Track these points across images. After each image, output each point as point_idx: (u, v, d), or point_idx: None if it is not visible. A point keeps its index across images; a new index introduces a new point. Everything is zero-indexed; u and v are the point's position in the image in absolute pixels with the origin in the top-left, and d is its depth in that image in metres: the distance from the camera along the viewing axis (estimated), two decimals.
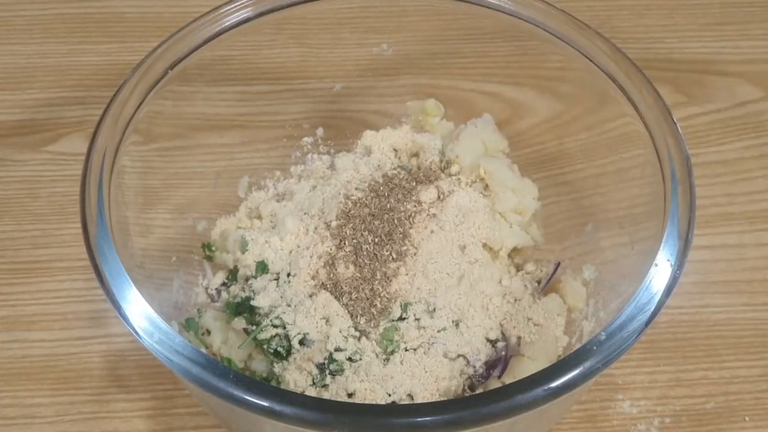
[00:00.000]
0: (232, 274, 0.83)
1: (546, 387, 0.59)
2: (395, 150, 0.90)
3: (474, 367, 0.77)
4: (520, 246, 0.85)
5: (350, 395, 0.73)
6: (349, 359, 0.74)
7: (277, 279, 0.79)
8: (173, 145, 0.85)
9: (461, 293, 0.78)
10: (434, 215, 0.81)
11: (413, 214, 0.80)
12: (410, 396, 0.73)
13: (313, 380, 0.74)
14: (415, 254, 0.79)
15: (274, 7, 0.82)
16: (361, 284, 0.77)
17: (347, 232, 0.79)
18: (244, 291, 0.80)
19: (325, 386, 0.74)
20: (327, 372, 0.74)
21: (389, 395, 0.73)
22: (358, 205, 0.81)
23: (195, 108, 0.86)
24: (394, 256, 0.78)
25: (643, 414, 0.83)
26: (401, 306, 0.76)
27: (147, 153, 0.80)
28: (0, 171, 0.99)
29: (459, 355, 0.76)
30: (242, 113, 0.91)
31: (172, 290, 0.80)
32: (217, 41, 0.80)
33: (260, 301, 0.78)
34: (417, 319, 0.76)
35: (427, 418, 0.58)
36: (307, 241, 0.80)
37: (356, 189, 0.83)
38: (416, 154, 0.90)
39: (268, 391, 0.60)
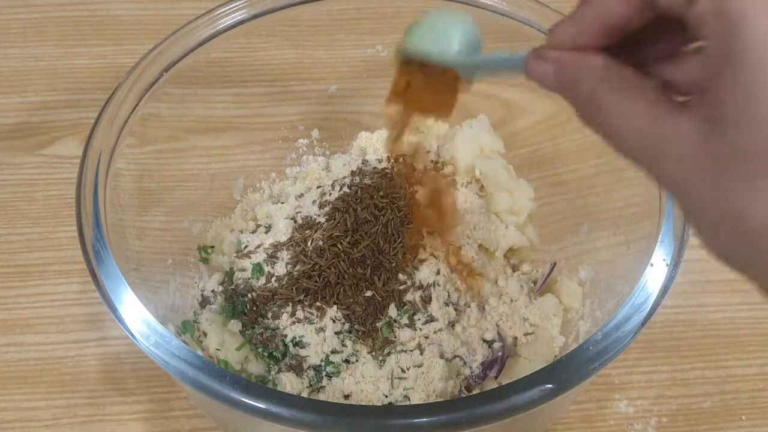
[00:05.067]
0: (228, 277, 0.83)
1: (542, 387, 0.59)
2: None
3: (470, 367, 0.77)
4: (516, 246, 0.85)
5: (347, 397, 0.73)
6: (346, 361, 0.74)
7: (272, 281, 0.79)
8: (168, 148, 0.85)
9: (457, 294, 0.78)
10: None
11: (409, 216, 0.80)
12: (407, 397, 0.73)
13: (309, 382, 0.74)
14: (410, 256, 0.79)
15: (269, 9, 0.82)
16: (357, 285, 0.77)
17: (342, 233, 0.79)
18: (239, 293, 0.80)
19: (321, 388, 0.74)
20: (323, 374, 0.74)
21: (386, 396, 0.73)
22: (353, 206, 0.81)
23: (190, 110, 0.86)
24: (390, 257, 0.78)
25: (639, 414, 0.83)
26: (397, 307, 0.76)
27: (142, 156, 0.80)
28: None
29: (455, 356, 0.76)
30: (237, 115, 0.91)
31: (168, 293, 0.80)
32: (211, 43, 0.80)
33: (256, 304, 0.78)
34: (413, 320, 0.76)
35: (424, 419, 0.58)
36: (302, 243, 0.80)
37: (351, 190, 0.83)
38: (412, 156, 0.90)
39: (265, 393, 0.60)
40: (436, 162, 0.88)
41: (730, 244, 0.43)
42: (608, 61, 0.47)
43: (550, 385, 0.59)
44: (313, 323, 0.76)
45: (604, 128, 0.47)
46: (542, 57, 0.49)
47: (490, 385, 0.77)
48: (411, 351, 0.75)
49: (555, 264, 0.84)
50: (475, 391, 0.77)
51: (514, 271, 0.85)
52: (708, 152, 0.42)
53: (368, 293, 0.76)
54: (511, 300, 0.81)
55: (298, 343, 0.75)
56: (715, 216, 0.42)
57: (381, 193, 0.82)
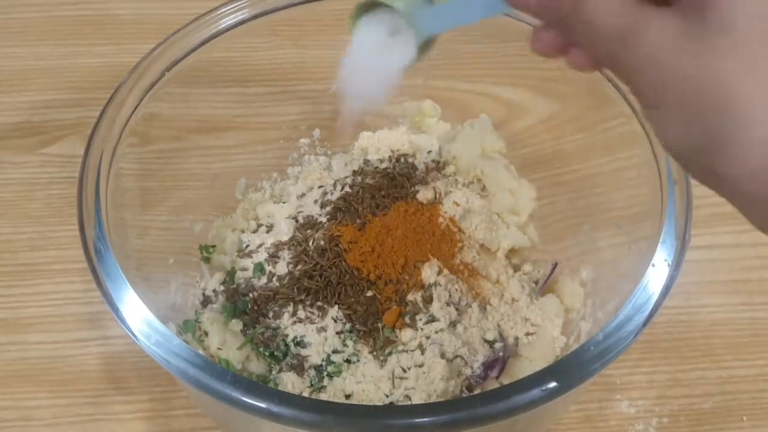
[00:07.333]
0: (230, 276, 0.83)
1: (543, 388, 0.59)
2: (392, 151, 0.90)
3: (471, 367, 0.77)
4: (518, 247, 0.85)
5: (348, 397, 0.73)
6: (347, 361, 0.74)
7: (273, 280, 0.79)
8: (170, 147, 0.85)
9: (458, 294, 0.78)
10: None
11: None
12: (408, 397, 0.73)
13: (310, 382, 0.74)
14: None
15: (271, 9, 0.82)
16: (358, 285, 0.77)
17: (343, 233, 0.79)
18: (241, 293, 0.80)
19: (322, 388, 0.74)
20: (324, 374, 0.74)
21: (387, 396, 0.73)
22: (355, 206, 0.81)
23: (191, 110, 0.86)
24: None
25: (641, 414, 0.83)
26: (398, 306, 0.76)
27: (144, 155, 0.80)
28: None
29: (456, 356, 0.76)
30: (239, 115, 0.91)
31: (170, 292, 0.80)
32: (213, 43, 0.80)
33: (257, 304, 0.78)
34: (414, 320, 0.76)
35: (425, 419, 0.58)
36: (304, 243, 0.80)
37: (353, 190, 0.83)
38: (413, 155, 0.90)
39: (266, 392, 0.60)
40: (438, 162, 0.88)
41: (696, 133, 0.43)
42: None
43: (551, 386, 0.59)
44: (315, 323, 0.76)
45: (580, 22, 0.46)
46: None
47: (491, 385, 0.77)
48: (412, 351, 0.75)
49: (556, 264, 0.84)
50: (476, 391, 0.77)
51: (515, 271, 0.85)
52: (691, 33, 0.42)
53: (369, 293, 0.77)
54: (513, 300, 0.81)
55: (299, 343, 0.75)
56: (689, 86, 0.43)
57: (382, 193, 0.82)
